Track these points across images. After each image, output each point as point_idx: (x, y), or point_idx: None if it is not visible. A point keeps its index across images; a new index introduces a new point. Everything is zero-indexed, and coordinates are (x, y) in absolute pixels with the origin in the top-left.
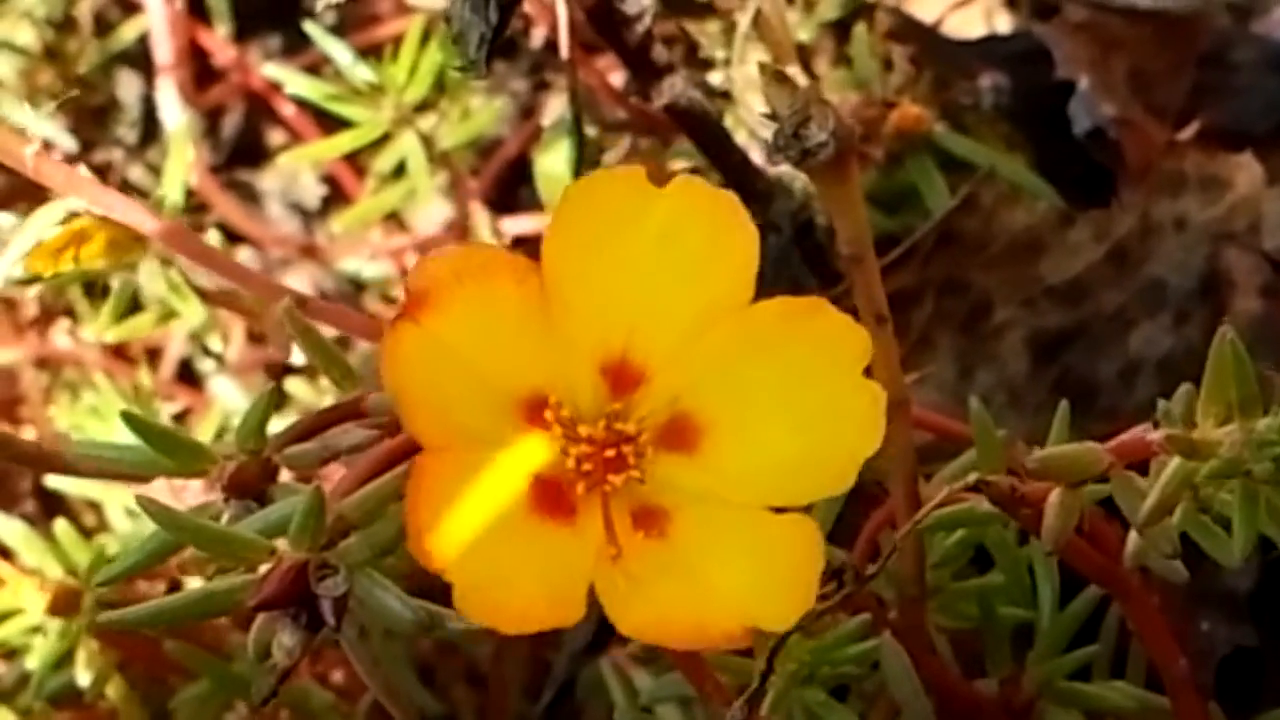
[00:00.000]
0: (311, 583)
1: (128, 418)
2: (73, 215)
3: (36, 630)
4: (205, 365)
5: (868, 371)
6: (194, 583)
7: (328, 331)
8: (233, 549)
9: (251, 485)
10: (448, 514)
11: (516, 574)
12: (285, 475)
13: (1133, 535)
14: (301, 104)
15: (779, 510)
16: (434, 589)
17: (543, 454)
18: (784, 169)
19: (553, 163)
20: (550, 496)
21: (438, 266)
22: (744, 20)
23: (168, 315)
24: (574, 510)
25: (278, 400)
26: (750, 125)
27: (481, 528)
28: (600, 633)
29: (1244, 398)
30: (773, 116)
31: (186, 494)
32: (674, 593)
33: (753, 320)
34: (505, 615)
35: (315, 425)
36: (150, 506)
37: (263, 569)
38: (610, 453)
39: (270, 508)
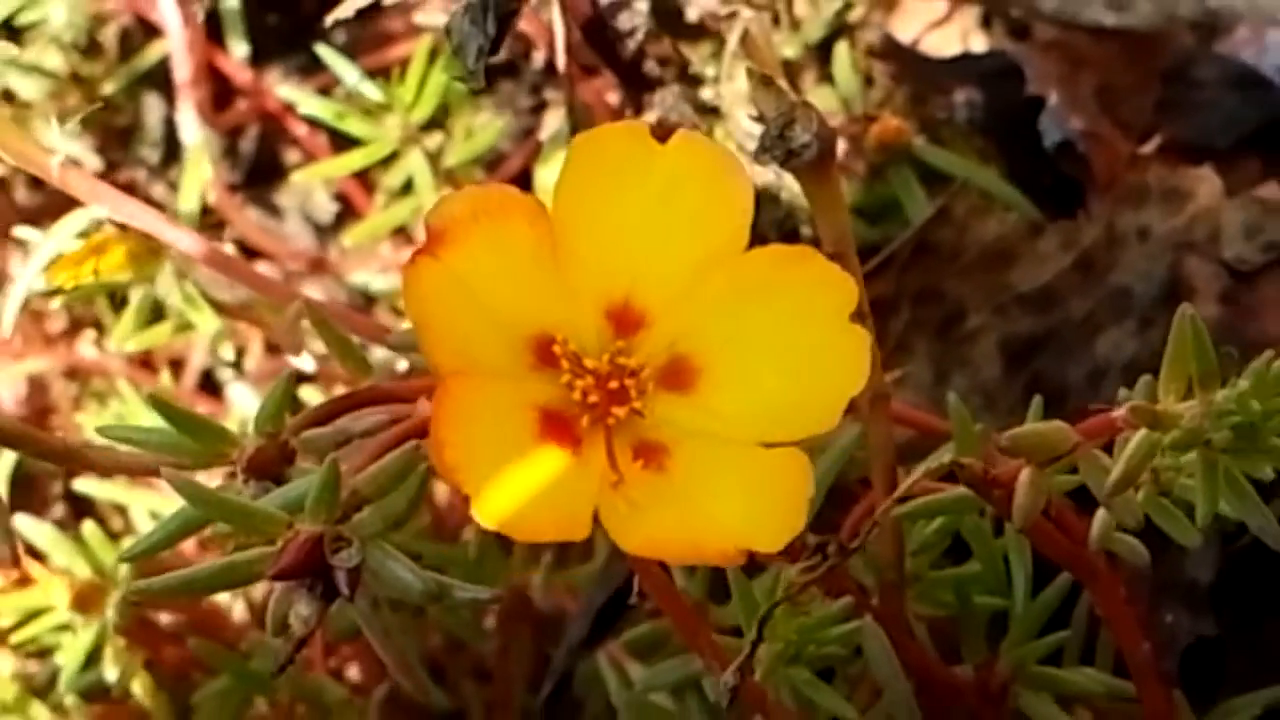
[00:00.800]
0: (326, 554)
1: (154, 402)
2: (93, 229)
3: (65, 628)
4: (225, 375)
5: (854, 317)
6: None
7: None
8: (253, 523)
9: (270, 467)
10: (466, 434)
11: (527, 492)
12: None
13: (1099, 514)
14: (314, 123)
15: (770, 445)
16: (442, 564)
17: (551, 388)
18: (770, 179)
19: (553, 176)
20: (557, 427)
21: (456, 204)
22: (732, 40)
23: (186, 326)
24: (579, 441)
25: (291, 406)
26: (738, 138)
27: (496, 449)
28: (597, 627)
29: (1203, 373)
30: (760, 119)
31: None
32: (671, 518)
33: (747, 267)
34: (517, 526)
35: (330, 411)
36: (178, 481)
37: (280, 542)
38: (614, 384)
39: (288, 485)
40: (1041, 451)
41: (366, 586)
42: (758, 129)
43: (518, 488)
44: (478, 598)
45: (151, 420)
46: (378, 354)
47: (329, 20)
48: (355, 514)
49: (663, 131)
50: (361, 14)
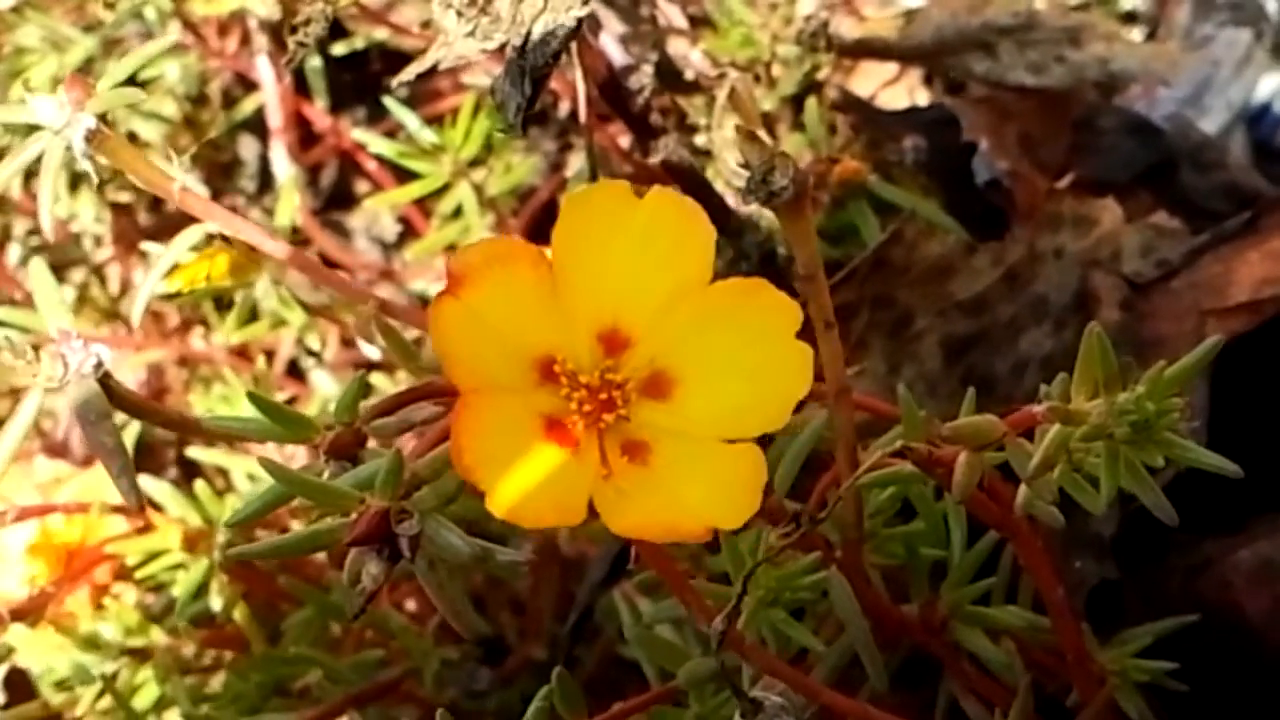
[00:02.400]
0: (392, 525)
1: (252, 396)
2: (202, 245)
3: (179, 567)
4: (308, 363)
5: (801, 336)
6: (300, 527)
7: (405, 333)
8: (330, 499)
9: (346, 450)
10: (481, 441)
11: (533, 486)
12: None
13: (1022, 489)
14: (381, 160)
15: (732, 441)
16: (487, 530)
17: (552, 400)
18: (752, 210)
19: None
20: (558, 431)
21: (472, 253)
22: (721, 95)
23: (278, 323)
24: (576, 442)
25: (364, 389)
26: (726, 176)
27: (506, 452)
28: (614, 570)
29: (1108, 378)
30: (746, 166)
31: (295, 461)
32: (652, 503)
33: (712, 297)
34: (525, 515)
35: (395, 403)
36: (269, 465)
37: (354, 515)
38: (603, 396)
39: (359, 467)
40: (976, 440)
41: (424, 550)
42: (744, 172)
43: (524, 483)
44: (515, 560)
45: (249, 406)
46: (430, 344)
47: (395, 81)
48: (415, 492)
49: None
50: (419, 75)
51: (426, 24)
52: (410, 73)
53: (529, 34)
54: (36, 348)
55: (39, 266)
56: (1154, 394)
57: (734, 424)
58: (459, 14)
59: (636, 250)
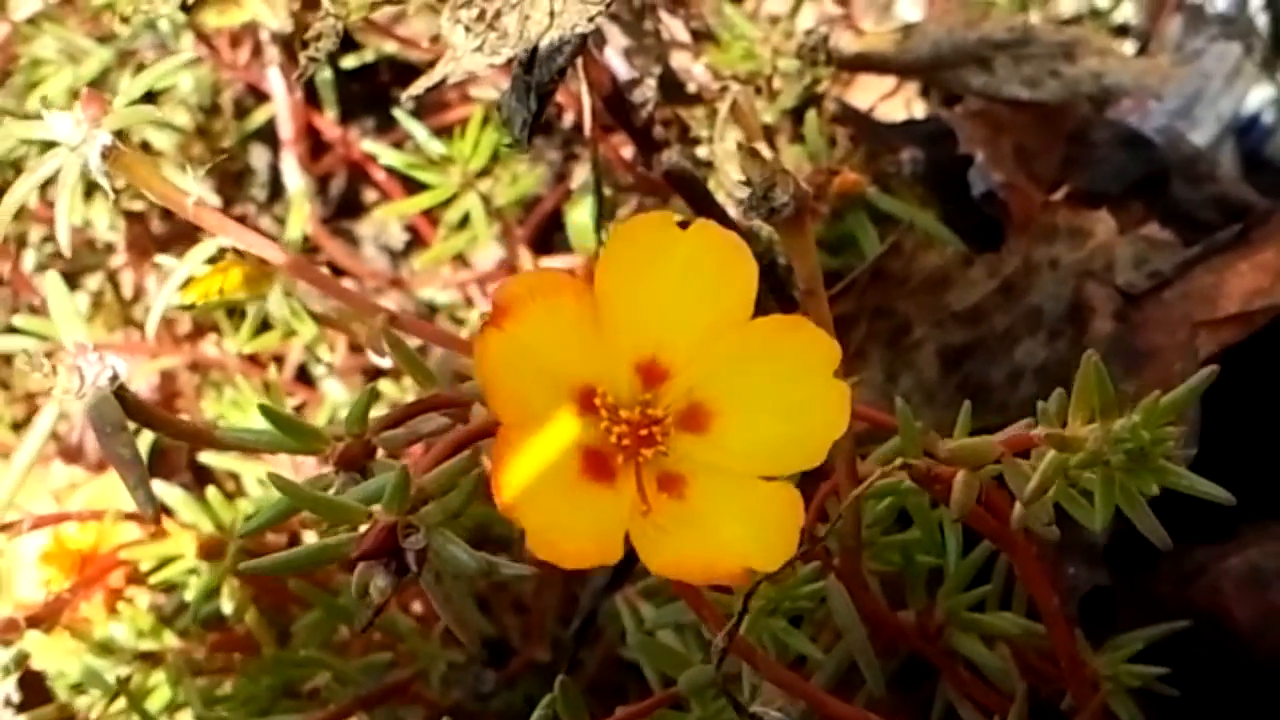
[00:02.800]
0: (399, 539)
1: (263, 409)
2: (217, 257)
3: (192, 571)
4: (318, 370)
5: (838, 374)
6: (311, 537)
7: (412, 341)
8: (340, 514)
9: (356, 461)
10: (522, 475)
11: (572, 522)
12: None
13: (1018, 507)
14: (390, 171)
15: (769, 478)
16: (491, 543)
17: (592, 432)
18: (754, 222)
19: (580, 215)
20: (597, 464)
21: (517, 285)
22: (723, 108)
23: (289, 333)
24: (614, 475)
25: (373, 398)
26: (728, 188)
27: (546, 486)
28: (617, 575)
29: (1104, 404)
30: (748, 183)
31: (305, 467)
32: (689, 540)
33: (751, 331)
34: (564, 554)
35: (403, 415)
36: (278, 481)
37: (362, 528)
38: (643, 432)
39: (367, 482)
40: (974, 460)
41: (430, 563)
42: (745, 187)
43: (565, 521)
44: (520, 574)
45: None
46: (437, 353)
47: (404, 94)
48: (422, 507)
49: (684, 221)
50: (428, 88)
51: (435, 38)
52: (419, 87)
53: (535, 50)
54: (51, 355)
55: (54, 279)
56: (1149, 422)
57: (771, 460)
58: (467, 29)
59: (678, 282)
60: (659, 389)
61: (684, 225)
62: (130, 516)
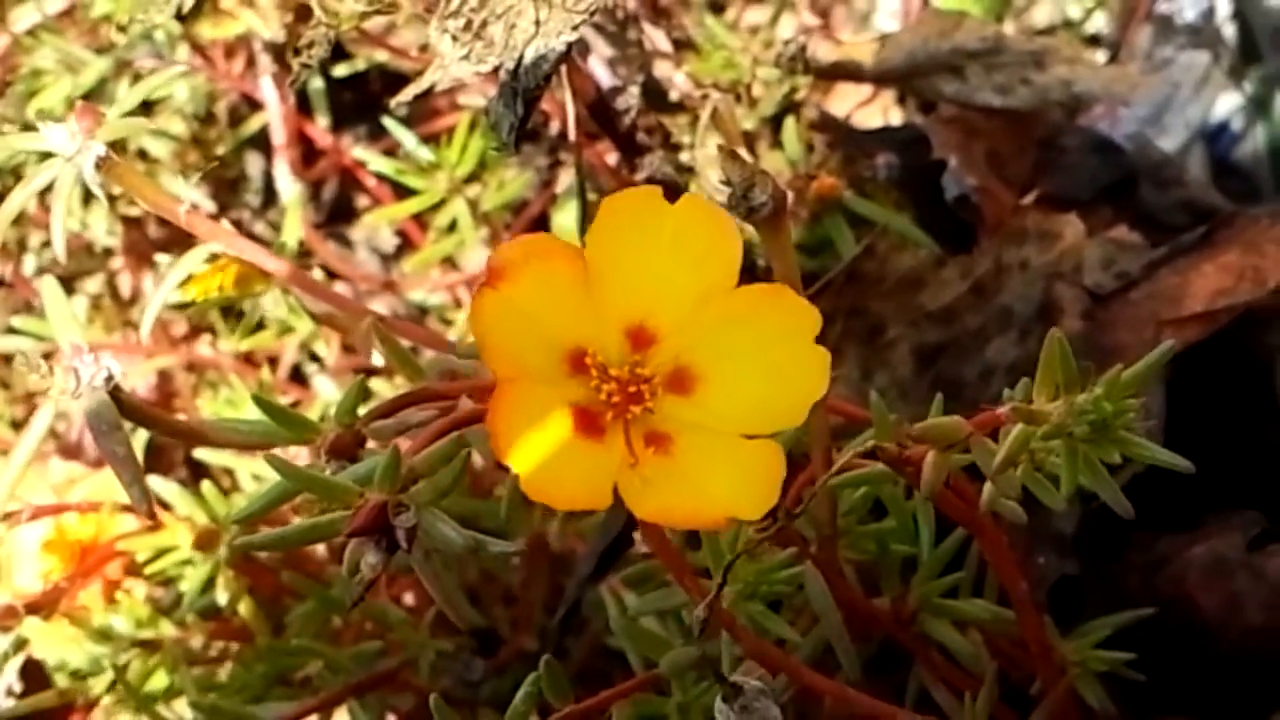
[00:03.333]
0: (390, 517)
1: (257, 399)
2: (214, 258)
3: (187, 562)
4: (311, 369)
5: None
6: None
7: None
8: (333, 493)
9: (346, 450)
10: (516, 426)
11: (563, 472)
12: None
13: (987, 488)
14: (381, 177)
15: (752, 436)
16: (479, 524)
17: (583, 390)
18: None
19: (565, 219)
20: (587, 421)
21: (512, 249)
22: (704, 115)
23: (284, 331)
24: (604, 431)
25: (364, 393)
26: (708, 192)
27: (538, 437)
28: (601, 564)
29: (1068, 380)
30: (728, 183)
31: (297, 462)
32: (675, 492)
33: (736, 299)
34: (556, 499)
35: (393, 406)
36: (275, 462)
37: (353, 508)
38: (631, 389)
39: (359, 463)
40: (943, 439)
41: (420, 541)
42: (725, 189)
43: (555, 467)
44: (506, 550)
45: (254, 410)
46: (428, 354)
47: (394, 101)
48: (412, 486)
49: (672, 194)
50: (417, 95)
51: (424, 47)
52: (408, 94)
53: (521, 58)
54: (49, 357)
55: (51, 284)
56: (1111, 395)
57: (753, 420)
58: (454, 38)
59: (667, 252)
60: (647, 352)
61: (673, 199)
62: (127, 509)
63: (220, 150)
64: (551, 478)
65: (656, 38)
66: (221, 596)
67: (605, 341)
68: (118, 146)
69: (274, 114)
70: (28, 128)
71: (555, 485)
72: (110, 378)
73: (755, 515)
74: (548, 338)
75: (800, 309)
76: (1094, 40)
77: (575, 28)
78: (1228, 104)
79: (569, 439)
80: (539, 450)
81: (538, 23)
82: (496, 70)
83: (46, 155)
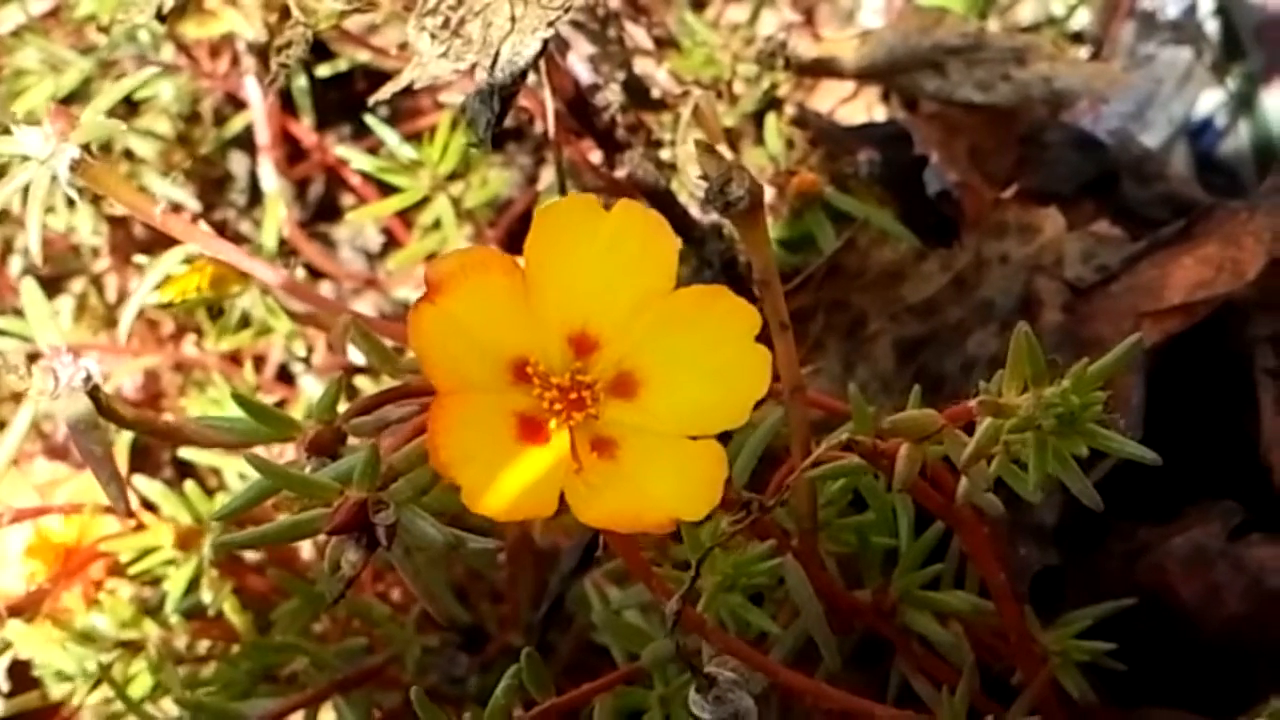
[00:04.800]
0: (370, 514)
1: (237, 398)
2: (191, 259)
3: (171, 562)
4: (296, 368)
5: (759, 340)
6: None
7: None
8: (312, 490)
9: (326, 447)
10: (458, 438)
11: (507, 481)
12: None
13: (963, 481)
14: (365, 175)
15: (695, 438)
16: (460, 520)
17: (525, 399)
18: (715, 220)
19: None
20: (531, 428)
21: (448, 262)
22: (685, 112)
23: (265, 331)
24: (548, 438)
25: (347, 390)
26: (690, 188)
27: (481, 449)
28: (584, 560)
29: (1035, 374)
30: (705, 178)
31: (280, 459)
32: (620, 496)
33: (675, 302)
34: (499, 509)
35: (372, 404)
36: (255, 460)
37: (334, 505)
38: (573, 396)
39: (339, 461)
40: (916, 432)
41: (400, 538)
42: (704, 185)
43: (498, 478)
44: (486, 548)
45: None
46: (410, 354)
47: (373, 100)
48: (391, 484)
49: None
50: (399, 94)
51: (405, 46)
52: (387, 91)
53: (497, 55)
54: (33, 358)
55: (30, 286)
56: (1079, 388)
57: (697, 422)
58: (432, 36)
59: (604, 259)
60: (589, 358)
61: (608, 206)
62: (110, 510)
63: (205, 149)
64: (494, 489)
65: (637, 35)
66: (206, 595)
67: (547, 349)
68: (103, 147)
69: (258, 113)
70: (9, 129)
71: (499, 496)
72: (89, 378)
73: (698, 515)
74: (488, 349)
75: (739, 310)
76: (1077, 37)
77: (551, 24)
78: (1211, 100)
79: (512, 449)
80: (482, 462)
81: (513, 19)
82: (474, 68)
83: (26, 158)
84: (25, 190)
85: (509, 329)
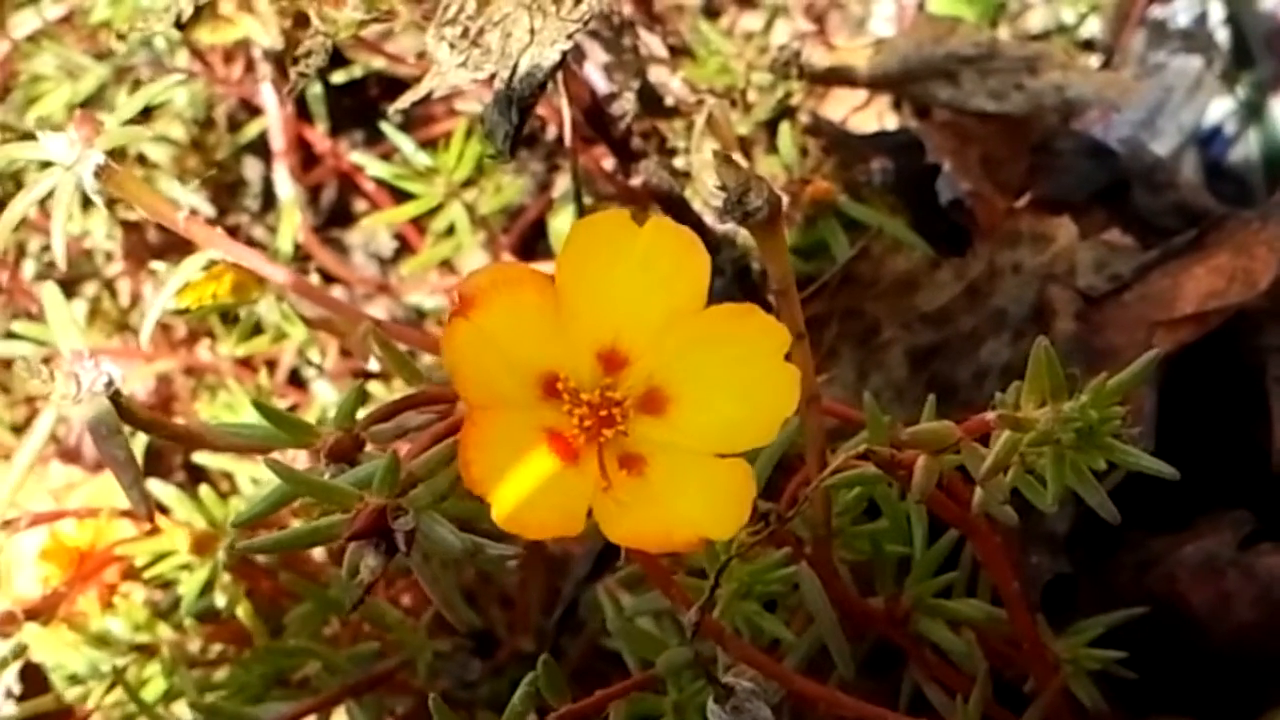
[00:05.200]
0: (389, 520)
1: (256, 404)
2: (210, 265)
3: (186, 567)
4: (309, 373)
5: (787, 358)
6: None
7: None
8: (332, 496)
9: (345, 454)
10: (488, 455)
11: (536, 497)
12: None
13: (978, 490)
14: (379, 182)
15: (723, 456)
16: (477, 527)
17: (555, 415)
18: (729, 228)
19: (562, 224)
20: (560, 445)
21: (481, 278)
22: (700, 120)
23: (280, 336)
24: (577, 455)
25: (362, 397)
26: (704, 196)
27: (511, 464)
28: (597, 565)
29: (1054, 388)
30: (723, 188)
31: (296, 464)
32: (648, 514)
33: (706, 319)
34: (528, 526)
35: (391, 410)
36: (275, 466)
37: (353, 511)
38: (603, 413)
39: (359, 467)
40: (933, 444)
41: (418, 544)
42: (721, 193)
43: (527, 494)
44: (503, 554)
45: (252, 414)
46: (426, 359)
47: (391, 109)
48: (410, 490)
49: (642, 216)
50: (414, 101)
51: (422, 54)
52: (406, 100)
53: (516, 66)
54: (49, 361)
55: (51, 290)
56: (1097, 402)
57: (725, 439)
58: (451, 46)
59: (636, 275)
60: (619, 375)
61: (641, 221)
62: (126, 514)
63: (220, 155)
64: (525, 505)
65: (652, 44)
66: (219, 599)
67: (577, 365)
68: (117, 152)
69: (273, 119)
70: (28, 134)
71: (529, 512)
72: (110, 383)
73: (726, 535)
74: (519, 364)
75: (769, 328)
76: (1088, 45)
77: (569, 37)
78: (1221, 108)
79: (542, 466)
80: (512, 479)
81: (532, 31)
82: (492, 77)
83: (47, 163)
84: (45, 196)
85: (540, 345)
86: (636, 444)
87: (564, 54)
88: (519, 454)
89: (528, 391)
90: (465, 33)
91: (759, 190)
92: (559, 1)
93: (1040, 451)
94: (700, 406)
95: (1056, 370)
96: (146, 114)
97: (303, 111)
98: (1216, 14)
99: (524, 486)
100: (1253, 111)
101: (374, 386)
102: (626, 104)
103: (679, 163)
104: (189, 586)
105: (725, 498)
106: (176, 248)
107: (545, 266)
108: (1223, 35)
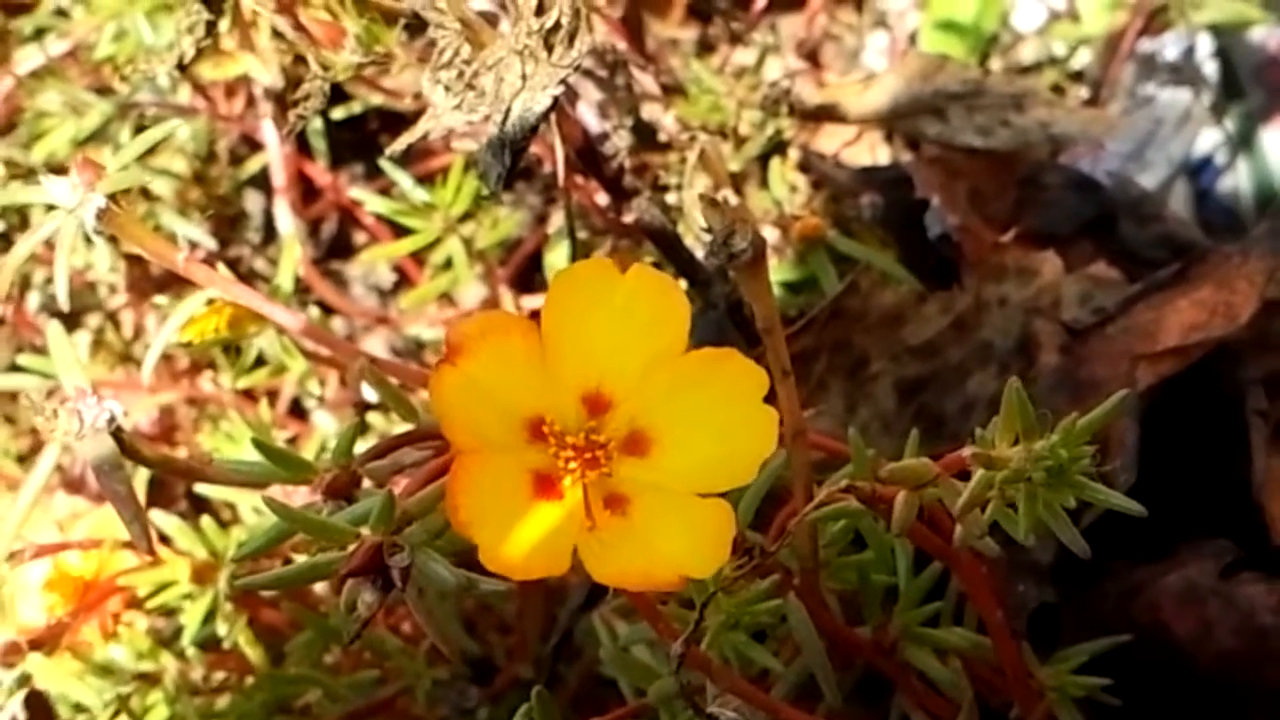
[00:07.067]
0: (385, 557)
1: (256, 442)
2: (212, 300)
3: (188, 596)
4: (310, 403)
5: (767, 400)
6: (301, 559)
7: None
8: (329, 534)
9: (342, 490)
10: (476, 496)
11: (522, 539)
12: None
13: (959, 525)
14: (378, 216)
15: (705, 496)
16: (472, 562)
17: (541, 457)
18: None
19: (557, 258)
20: (546, 486)
21: (468, 325)
22: (692, 156)
23: (280, 369)
24: (562, 496)
25: (361, 429)
26: (696, 232)
27: (497, 505)
28: (592, 594)
29: (1026, 427)
30: (709, 230)
31: (295, 497)
32: (631, 553)
33: (686, 363)
34: (515, 567)
35: (388, 447)
36: (273, 505)
37: (350, 548)
38: (588, 455)
39: (356, 505)
40: (912, 480)
41: (414, 580)
42: (707, 233)
43: (514, 537)
44: (496, 589)
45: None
46: (423, 394)
47: (389, 150)
48: (406, 527)
49: (623, 263)
50: (410, 143)
51: (419, 93)
52: (402, 143)
53: (509, 110)
54: (52, 393)
55: (55, 329)
56: (1068, 441)
57: (706, 480)
58: (446, 89)
59: (618, 321)
60: (603, 417)
61: (623, 268)
62: (128, 545)
63: (221, 189)
64: (511, 546)
65: (645, 81)
66: (221, 628)
67: (562, 409)
68: (122, 190)
69: (274, 155)
70: (32, 170)
71: (515, 553)
72: (113, 419)
73: (705, 573)
74: (506, 409)
75: (748, 371)
76: (1078, 76)
77: (561, 82)
78: (1210, 140)
79: (528, 507)
80: (498, 520)
81: (524, 77)
82: (487, 118)
83: (51, 205)
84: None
85: (526, 389)
86: (620, 484)
87: (555, 99)
88: (506, 496)
89: (514, 435)
90: (460, 76)
91: (744, 232)
92: (551, 48)
93: (1016, 487)
94: (682, 448)
95: (1028, 409)
96: (150, 148)
97: (303, 146)
98: (1205, 47)
99: (510, 528)
100: (1243, 142)
101: (373, 417)
102: (619, 142)
103: (671, 198)
104: (191, 615)
105: (706, 537)
106: (179, 281)
107: (541, 299)
108: (1211, 68)
